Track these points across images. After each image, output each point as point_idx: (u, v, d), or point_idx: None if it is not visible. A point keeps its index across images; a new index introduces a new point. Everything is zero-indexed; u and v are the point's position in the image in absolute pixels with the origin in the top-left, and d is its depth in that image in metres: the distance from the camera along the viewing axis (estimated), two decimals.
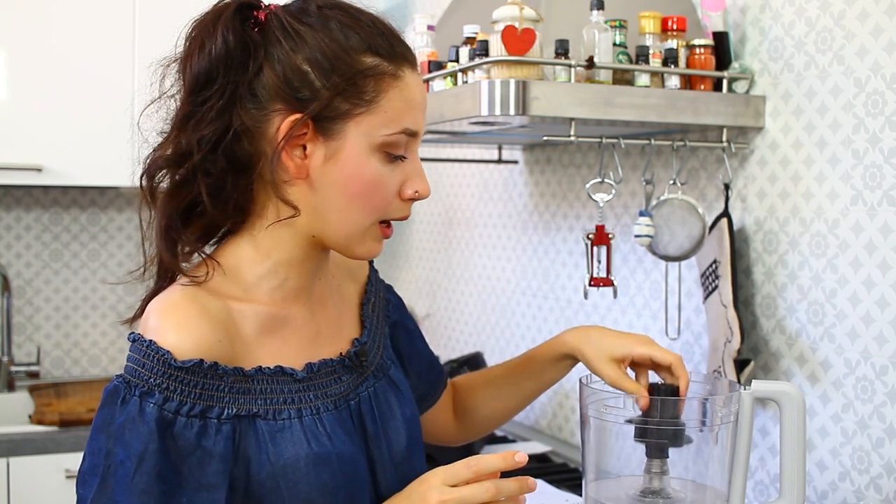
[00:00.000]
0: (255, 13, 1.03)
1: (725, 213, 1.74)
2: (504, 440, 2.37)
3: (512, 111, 1.54)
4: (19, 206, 2.91)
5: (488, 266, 2.68)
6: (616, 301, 2.12)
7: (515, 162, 2.50)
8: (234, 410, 1.00)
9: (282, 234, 1.06)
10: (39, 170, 2.56)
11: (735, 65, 1.72)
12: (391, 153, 1.04)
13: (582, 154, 2.26)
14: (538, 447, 2.28)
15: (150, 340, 0.97)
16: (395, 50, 1.04)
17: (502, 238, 2.61)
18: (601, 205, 1.71)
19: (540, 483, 1.94)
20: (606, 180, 1.70)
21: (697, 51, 1.69)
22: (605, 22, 1.63)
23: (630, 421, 1.23)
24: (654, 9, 1.71)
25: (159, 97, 1.05)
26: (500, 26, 1.56)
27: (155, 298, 1.03)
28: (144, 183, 1.04)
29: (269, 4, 1.05)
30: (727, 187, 1.75)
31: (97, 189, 2.97)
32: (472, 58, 1.67)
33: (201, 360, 0.97)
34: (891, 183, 1.50)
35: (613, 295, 1.66)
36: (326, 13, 1.03)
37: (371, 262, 1.27)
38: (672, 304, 1.87)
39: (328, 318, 1.14)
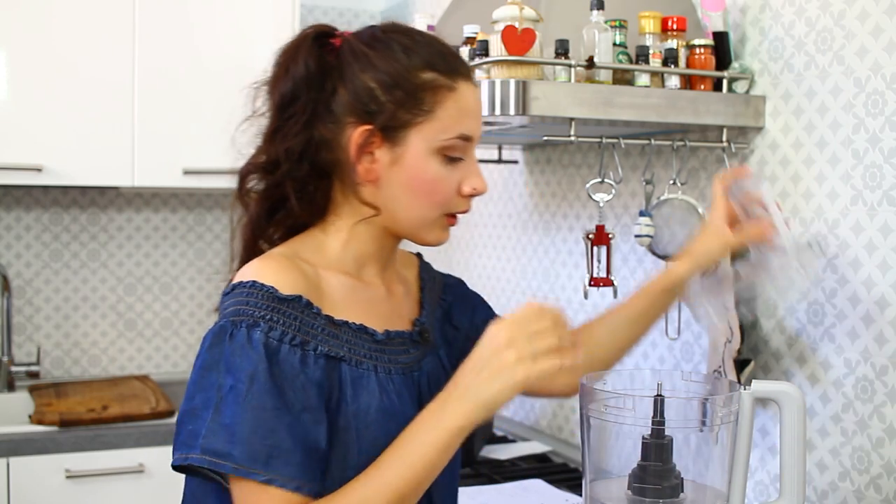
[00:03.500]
0: (332, 41, 1.19)
1: None
2: (504, 440, 2.37)
3: (512, 111, 1.54)
4: (19, 206, 2.91)
5: (488, 266, 2.68)
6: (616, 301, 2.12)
7: (515, 162, 2.50)
8: (326, 350, 1.11)
9: (358, 229, 1.20)
10: (39, 170, 2.56)
11: (735, 65, 1.72)
12: (449, 156, 1.17)
13: (582, 154, 2.26)
14: (538, 447, 2.28)
15: (253, 280, 1.10)
16: (449, 65, 1.17)
17: (502, 238, 2.61)
18: (601, 205, 1.71)
19: (540, 483, 1.95)
20: (606, 180, 1.70)
21: (697, 51, 1.69)
22: (605, 22, 1.63)
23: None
24: (654, 9, 1.71)
25: (252, 115, 1.21)
26: (500, 26, 1.56)
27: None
28: (237, 187, 1.21)
29: (344, 32, 1.21)
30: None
31: (97, 189, 2.97)
32: (472, 58, 1.67)
33: (300, 296, 1.10)
34: (891, 183, 1.50)
35: (614, 295, 1.67)
36: (390, 37, 1.18)
37: (420, 255, 1.42)
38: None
39: (398, 300, 1.28)
